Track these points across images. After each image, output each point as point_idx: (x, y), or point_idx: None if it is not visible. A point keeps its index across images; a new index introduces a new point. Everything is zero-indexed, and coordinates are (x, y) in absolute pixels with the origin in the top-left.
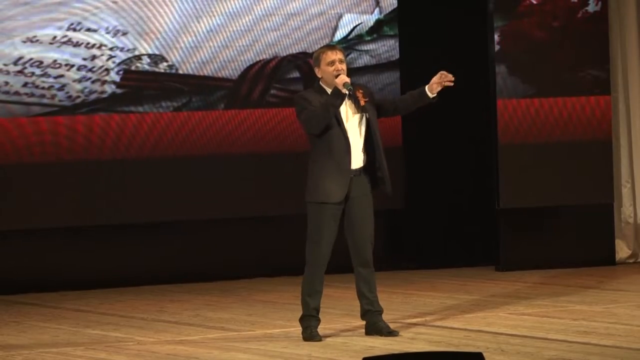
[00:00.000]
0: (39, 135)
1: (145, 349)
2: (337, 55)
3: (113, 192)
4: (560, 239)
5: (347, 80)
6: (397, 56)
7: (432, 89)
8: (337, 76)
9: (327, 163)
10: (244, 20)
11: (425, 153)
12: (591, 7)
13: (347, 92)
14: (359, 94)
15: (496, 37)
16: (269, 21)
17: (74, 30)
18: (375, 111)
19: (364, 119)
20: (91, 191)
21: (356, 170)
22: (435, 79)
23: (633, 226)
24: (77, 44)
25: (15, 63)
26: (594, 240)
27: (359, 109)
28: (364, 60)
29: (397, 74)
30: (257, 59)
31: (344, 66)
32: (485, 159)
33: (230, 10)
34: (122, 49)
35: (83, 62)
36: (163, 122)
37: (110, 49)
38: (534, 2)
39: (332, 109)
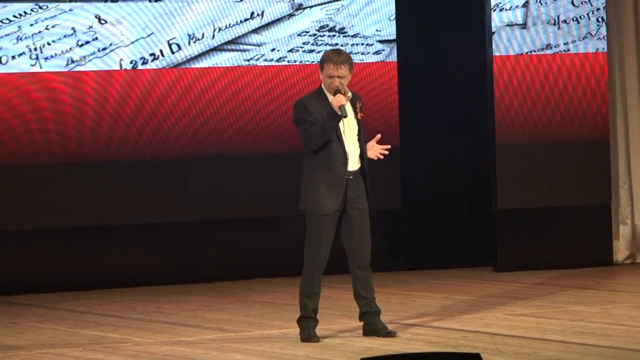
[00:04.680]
0: (40, 136)
1: (143, 350)
2: (338, 70)
3: (111, 193)
4: (557, 240)
5: (343, 102)
6: (397, 56)
7: (369, 154)
8: (335, 92)
9: (324, 174)
10: (249, 24)
11: (422, 153)
12: (589, 8)
13: (342, 116)
14: (357, 106)
15: (495, 37)
16: (277, 28)
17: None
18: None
19: (360, 127)
20: (89, 192)
21: (353, 172)
22: (374, 145)
23: (630, 227)
24: (84, 43)
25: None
26: (592, 241)
27: (356, 118)
28: (363, 60)
29: (396, 74)
30: (259, 66)
31: (344, 81)
32: (482, 159)
33: (235, 20)
34: (125, 48)
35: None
36: (163, 124)
37: (113, 49)
38: (533, 1)
39: (328, 131)
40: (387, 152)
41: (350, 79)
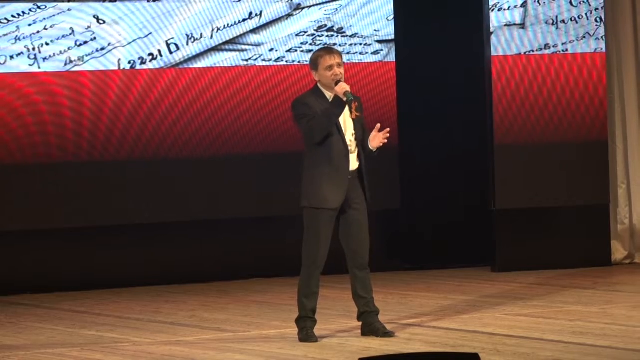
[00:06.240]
0: (38, 137)
1: (142, 350)
2: (335, 59)
3: (109, 193)
4: (556, 240)
5: (347, 88)
6: (395, 56)
7: (372, 144)
8: (336, 83)
9: (325, 169)
10: (251, 25)
11: (421, 153)
12: (587, 8)
13: (347, 101)
14: (353, 106)
15: (493, 37)
16: (275, 28)
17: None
18: (362, 126)
19: (359, 125)
20: (88, 192)
21: (351, 172)
22: (376, 135)
23: (628, 227)
24: (83, 43)
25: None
26: (590, 241)
27: (352, 118)
28: (361, 60)
29: (395, 74)
30: (258, 66)
31: (341, 70)
32: (481, 159)
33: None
34: (123, 48)
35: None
36: (161, 124)
37: (111, 49)
38: (531, 1)
39: (334, 118)
40: (388, 135)
41: (349, 79)
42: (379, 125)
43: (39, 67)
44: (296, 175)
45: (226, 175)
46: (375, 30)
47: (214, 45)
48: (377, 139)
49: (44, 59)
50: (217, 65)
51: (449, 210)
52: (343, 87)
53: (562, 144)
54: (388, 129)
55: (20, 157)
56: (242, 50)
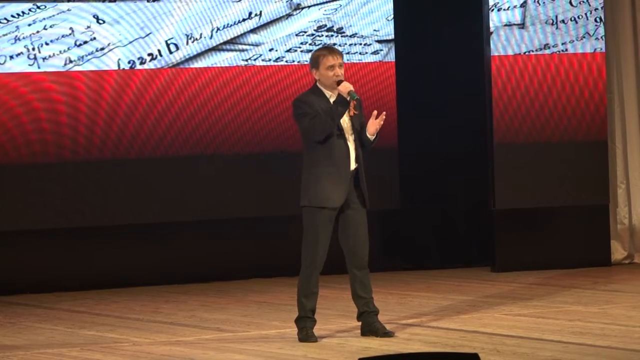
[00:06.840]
0: (35, 137)
1: (141, 350)
2: (336, 59)
3: (108, 192)
4: (555, 240)
5: (351, 88)
6: (395, 56)
7: (370, 131)
8: (338, 82)
9: (327, 168)
10: (250, 26)
11: (420, 153)
12: (587, 8)
13: (352, 100)
14: (352, 104)
15: (493, 37)
16: (275, 28)
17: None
18: (361, 125)
19: (358, 123)
20: (87, 192)
21: (352, 171)
22: (372, 122)
23: (628, 227)
24: (82, 43)
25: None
26: (590, 241)
27: (348, 115)
28: (360, 60)
29: (394, 74)
30: (257, 66)
31: (342, 71)
32: (480, 159)
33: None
34: (123, 47)
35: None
36: (159, 123)
37: (111, 49)
38: (531, 1)
39: (337, 117)
40: (384, 117)
41: (349, 79)
42: (375, 112)
43: (39, 67)
44: (296, 175)
45: (226, 175)
46: (374, 30)
47: (213, 45)
48: (373, 125)
49: (44, 59)
50: (217, 65)
51: (448, 210)
52: (347, 87)
53: (562, 143)
54: (384, 113)
55: (17, 157)
56: (242, 50)
